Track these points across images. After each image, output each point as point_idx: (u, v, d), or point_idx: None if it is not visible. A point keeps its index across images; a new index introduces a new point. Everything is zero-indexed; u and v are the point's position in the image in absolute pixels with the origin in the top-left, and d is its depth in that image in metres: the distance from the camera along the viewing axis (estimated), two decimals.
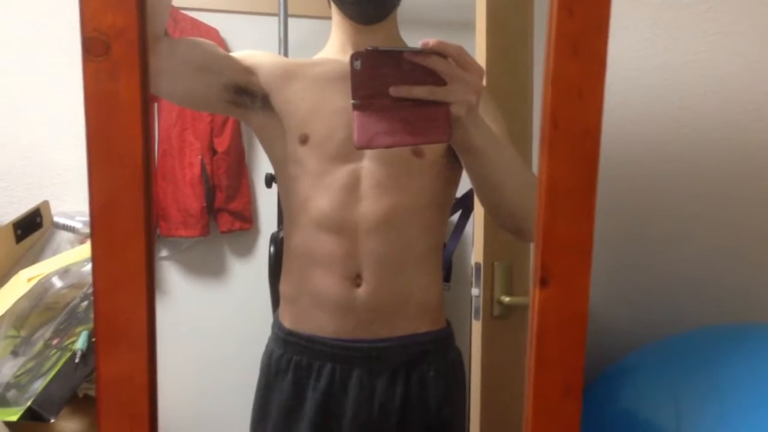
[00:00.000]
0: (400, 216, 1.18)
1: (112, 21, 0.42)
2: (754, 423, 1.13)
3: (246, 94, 1.21)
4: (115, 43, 0.43)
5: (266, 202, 2.27)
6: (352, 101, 0.87)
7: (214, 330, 2.24)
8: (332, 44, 1.26)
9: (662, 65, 1.83)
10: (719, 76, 1.77)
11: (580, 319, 0.48)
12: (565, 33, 0.44)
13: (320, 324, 1.22)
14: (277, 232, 2.11)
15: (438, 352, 1.27)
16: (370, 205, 1.17)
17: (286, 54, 2.11)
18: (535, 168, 1.40)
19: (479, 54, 1.54)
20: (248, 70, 1.21)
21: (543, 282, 0.47)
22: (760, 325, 1.47)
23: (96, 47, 0.43)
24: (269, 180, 1.94)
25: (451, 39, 0.88)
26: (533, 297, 0.48)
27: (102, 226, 0.44)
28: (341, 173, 1.17)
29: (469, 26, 1.58)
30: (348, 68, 0.87)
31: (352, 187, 1.17)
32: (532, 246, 1.55)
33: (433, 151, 1.19)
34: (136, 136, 0.43)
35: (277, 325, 1.30)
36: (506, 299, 1.55)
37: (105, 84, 0.43)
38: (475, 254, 1.61)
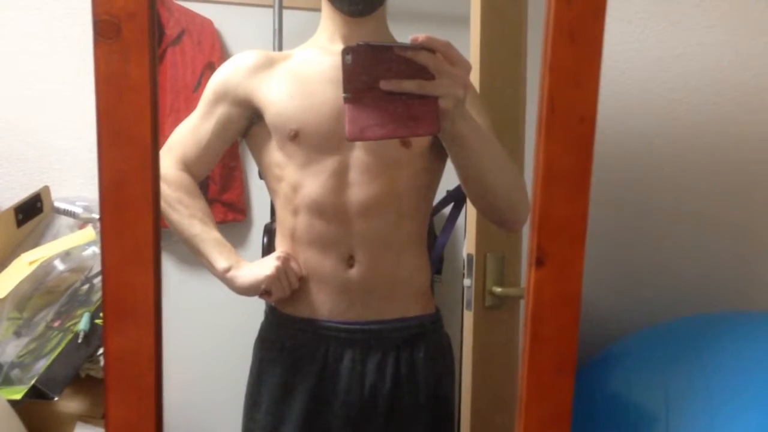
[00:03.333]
0: (388, 201, 1.22)
1: (123, 4, 0.44)
2: (739, 403, 1.17)
3: (249, 125, 1.29)
4: (125, 26, 0.44)
5: (259, 193, 2.27)
6: (343, 94, 0.90)
7: (207, 320, 2.24)
8: (321, 34, 1.28)
9: (655, 58, 1.85)
10: (711, 69, 1.80)
11: (574, 298, 0.50)
12: (562, 20, 0.45)
13: (315, 306, 1.25)
14: (271, 222, 2.12)
15: (427, 335, 1.30)
16: (359, 191, 1.20)
17: (280, 46, 2.12)
18: (531, 152, 1.43)
19: (473, 46, 1.55)
20: (245, 108, 1.26)
21: (539, 262, 0.49)
22: (743, 314, 1.52)
23: (107, 30, 0.44)
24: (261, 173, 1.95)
25: (445, 32, 0.90)
26: (529, 277, 0.50)
27: (111, 204, 0.45)
28: (331, 162, 1.20)
29: (463, 19, 1.60)
30: (336, 61, 0.89)
31: (342, 174, 1.20)
32: (524, 236, 1.57)
33: (420, 142, 1.22)
34: (145, 116, 0.44)
35: (270, 308, 1.32)
36: (498, 290, 1.56)
37: (116, 65, 0.44)
38: (467, 245, 1.63)
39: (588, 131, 0.47)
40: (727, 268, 1.82)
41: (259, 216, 2.28)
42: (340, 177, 1.20)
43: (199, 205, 1.27)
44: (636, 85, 1.87)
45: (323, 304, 1.24)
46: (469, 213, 1.63)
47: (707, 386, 1.23)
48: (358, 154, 1.20)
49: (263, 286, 1.21)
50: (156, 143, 0.45)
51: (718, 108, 1.79)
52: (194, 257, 1.27)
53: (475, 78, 1.52)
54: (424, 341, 1.28)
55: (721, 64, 1.78)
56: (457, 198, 1.95)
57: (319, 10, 1.30)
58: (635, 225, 1.94)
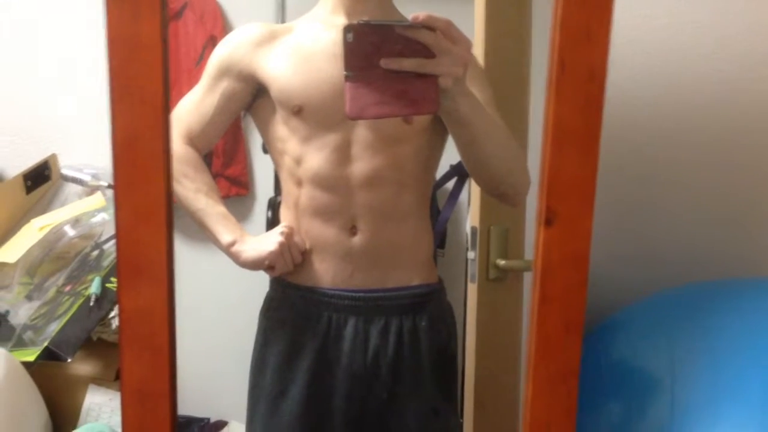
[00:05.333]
0: (390, 174, 1.23)
1: None
2: (743, 364, 1.19)
3: (253, 99, 1.29)
4: None
5: (263, 167, 2.27)
6: (344, 73, 0.90)
7: (212, 294, 2.25)
8: (323, 7, 1.28)
9: (663, 26, 1.85)
10: (718, 38, 1.79)
11: (583, 258, 0.50)
12: None
13: (318, 275, 1.27)
14: (275, 196, 2.13)
15: (430, 304, 1.31)
16: (361, 165, 1.22)
17: (283, 18, 2.10)
18: (536, 122, 1.43)
19: (477, 16, 1.54)
20: (249, 83, 1.26)
21: (547, 222, 0.49)
22: (748, 280, 1.53)
23: None
24: (266, 146, 1.95)
25: (448, 5, 0.90)
26: (537, 236, 0.50)
27: (124, 163, 0.46)
28: (333, 137, 1.21)
29: None
30: (338, 36, 0.90)
31: (344, 148, 1.22)
32: (528, 209, 1.58)
33: (421, 118, 1.23)
34: (156, 75, 0.44)
35: (275, 278, 1.33)
36: (502, 262, 1.57)
37: (127, 25, 0.44)
38: (471, 218, 1.63)
39: (598, 89, 0.47)
40: (733, 236, 1.83)
41: (263, 190, 2.29)
42: (343, 151, 1.21)
43: (204, 179, 1.28)
44: (644, 52, 1.87)
45: (327, 273, 1.26)
46: (473, 187, 1.64)
47: (711, 348, 1.25)
48: (360, 130, 1.21)
49: (267, 262, 1.23)
50: (167, 102, 0.45)
51: (726, 76, 1.79)
52: (199, 230, 1.28)
53: (479, 53, 1.52)
54: (426, 309, 1.30)
55: (729, 32, 1.78)
56: (460, 172, 1.95)
57: None
58: (641, 193, 1.94)
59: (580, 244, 0.50)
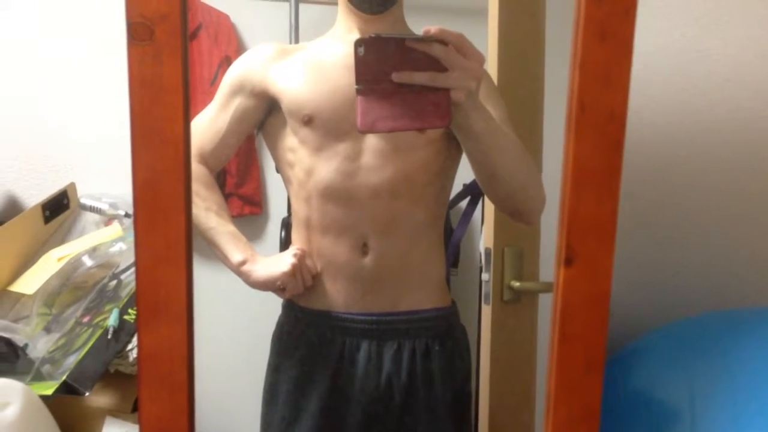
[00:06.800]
0: (401, 186, 1.22)
1: (156, 7, 0.44)
2: (763, 396, 1.17)
3: (265, 117, 1.30)
4: (158, 28, 0.44)
5: (276, 187, 2.28)
6: (355, 86, 0.90)
7: (227, 313, 2.25)
8: (337, 29, 1.29)
9: (678, 53, 1.85)
10: (733, 65, 1.79)
11: (604, 297, 0.50)
12: (593, 18, 0.45)
13: (330, 298, 1.26)
14: (288, 216, 2.13)
15: (443, 327, 1.31)
16: (372, 175, 1.21)
17: (296, 39, 2.12)
18: (548, 146, 1.41)
19: (491, 39, 1.54)
20: (262, 100, 1.27)
21: (568, 261, 0.49)
22: (764, 309, 1.51)
23: (140, 32, 0.44)
24: (276, 162, 1.96)
25: (463, 25, 0.90)
26: (557, 276, 0.50)
27: (144, 203, 0.46)
28: (344, 146, 1.21)
29: (482, 12, 1.59)
30: (351, 50, 0.90)
31: (355, 158, 1.21)
32: (542, 231, 1.57)
33: (434, 129, 1.21)
34: (177, 117, 0.45)
35: (286, 301, 1.33)
36: (516, 284, 1.56)
37: (149, 68, 0.44)
38: (485, 240, 1.63)
39: (618, 130, 0.47)
40: (751, 265, 1.81)
41: (276, 210, 2.29)
42: (353, 161, 1.21)
43: (215, 198, 1.28)
44: (658, 80, 1.86)
45: (338, 295, 1.25)
46: (487, 207, 1.63)
47: (731, 378, 1.23)
48: (370, 139, 1.21)
49: (279, 283, 1.23)
50: (188, 143, 0.46)
51: (740, 104, 1.78)
52: (210, 250, 1.28)
53: (493, 72, 1.52)
54: (440, 333, 1.29)
55: (743, 60, 1.77)
56: (473, 192, 1.94)
57: (335, 3, 1.30)
58: (658, 220, 1.93)
59: (600, 284, 0.50)
